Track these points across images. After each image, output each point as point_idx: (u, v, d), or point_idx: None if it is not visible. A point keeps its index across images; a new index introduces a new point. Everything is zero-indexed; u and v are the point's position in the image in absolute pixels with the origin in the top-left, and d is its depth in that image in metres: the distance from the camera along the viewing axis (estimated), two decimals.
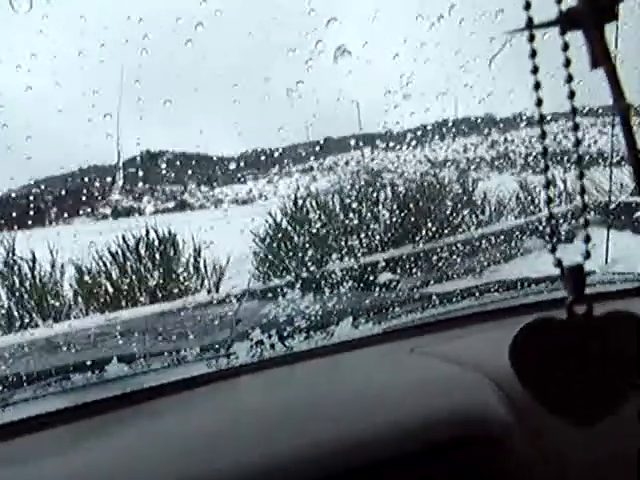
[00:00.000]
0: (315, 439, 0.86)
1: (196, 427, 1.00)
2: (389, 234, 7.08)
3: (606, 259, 2.22)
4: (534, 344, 0.55)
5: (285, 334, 1.29)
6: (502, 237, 7.28)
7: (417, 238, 6.88)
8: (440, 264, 6.67)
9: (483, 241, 7.04)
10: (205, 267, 6.05)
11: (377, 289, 5.94)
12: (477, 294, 1.35)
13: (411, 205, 7.43)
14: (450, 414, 0.86)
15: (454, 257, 6.57)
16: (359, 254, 6.18)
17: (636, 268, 1.82)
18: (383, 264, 6.36)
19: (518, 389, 0.91)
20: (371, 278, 5.86)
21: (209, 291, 5.87)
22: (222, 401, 1.14)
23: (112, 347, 1.43)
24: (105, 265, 5.96)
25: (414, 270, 6.30)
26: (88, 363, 1.25)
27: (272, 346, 1.30)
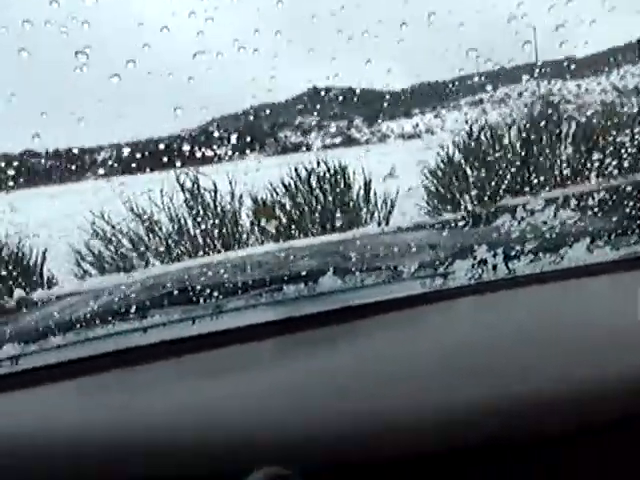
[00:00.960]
0: (537, 377, 0.75)
1: (403, 351, 0.94)
2: (570, 169, 6.54)
3: None
4: None
5: (511, 255, 1.17)
6: None
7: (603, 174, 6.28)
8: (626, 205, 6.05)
9: None
10: (376, 199, 6.02)
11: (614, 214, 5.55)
12: None
13: (594, 139, 6.78)
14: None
15: None
16: (538, 189, 5.79)
17: None
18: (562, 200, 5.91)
19: None
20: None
21: (379, 223, 5.86)
22: (433, 325, 1.06)
23: (325, 261, 1.41)
24: (279, 197, 6.17)
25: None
26: (302, 274, 1.23)
27: (494, 267, 1.19)
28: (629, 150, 6.67)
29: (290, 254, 1.45)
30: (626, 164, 6.89)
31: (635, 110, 8.08)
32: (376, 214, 5.98)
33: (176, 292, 1.25)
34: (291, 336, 1.05)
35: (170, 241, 5.79)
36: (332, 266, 1.20)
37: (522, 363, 0.82)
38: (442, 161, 6.20)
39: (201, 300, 1.21)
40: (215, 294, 1.24)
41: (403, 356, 0.92)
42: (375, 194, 6.03)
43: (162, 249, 5.84)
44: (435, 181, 6.24)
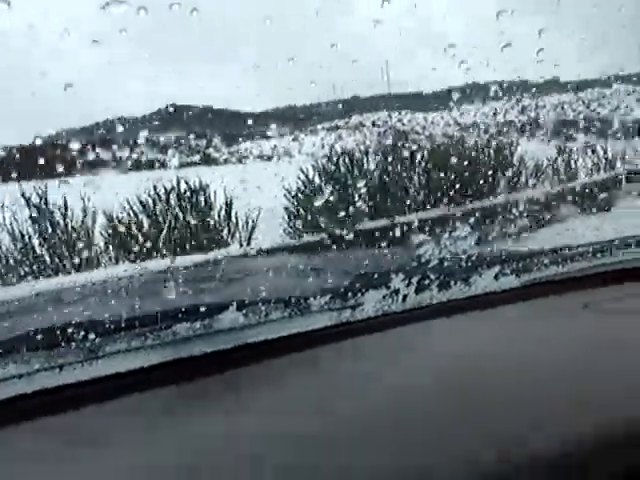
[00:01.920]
0: (461, 410, 0.75)
1: (314, 390, 0.88)
2: (420, 196, 6.96)
3: None
4: None
5: (420, 284, 1.17)
6: (537, 203, 7.13)
7: (448, 201, 6.76)
8: (475, 227, 6.55)
9: (517, 206, 6.91)
10: (237, 220, 5.98)
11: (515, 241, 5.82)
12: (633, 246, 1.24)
13: (441, 167, 7.29)
14: None
15: (488, 221, 6.46)
16: (393, 214, 6.08)
17: None
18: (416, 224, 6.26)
19: None
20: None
21: (241, 244, 5.81)
22: (341, 361, 1.01)
23: (212, 292, 1.32)
24: (136, 215, 5.91)
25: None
26: (199, 309, 1.09)
27: (404, 298, 1.18)
28: (468, 180, 7.24)
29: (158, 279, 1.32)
30: (470, 192, 7.41)
31: (472, 143, 8.82)
32: (237, 234, 5.94)
33: (32, 332, 0.99)
34: (186, 382, 0.93)
35: (12, 261, 5.31)
36: (233, 300, 1.10)
37: (439, 391, 0.81)
38: (303, 183, 6.31)
39: (70, 343, 0.98)
40: (88, 335, 1.01)
41: (317, 399, 0.87)
42: (236, 214, 5.98)
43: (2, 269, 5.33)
44: (295, 203, 6.33)
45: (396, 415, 0.76)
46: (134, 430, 0.81)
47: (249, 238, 5.92)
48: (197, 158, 10.45)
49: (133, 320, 1.04)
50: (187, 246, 5.56)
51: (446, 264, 1.25)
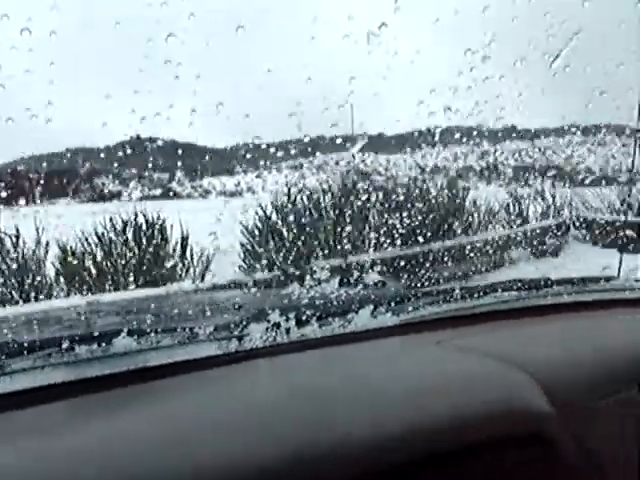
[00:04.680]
0: (328, 434, 0.82)
1: (201, 411, 0.95)
2: (376, 236, 7.07)
3: (619, 271, 2.24)
4: None
5: (302, 319, 1.25)
6: (490, 246, 7.32)
7: (406, 241, 6.89)
8: (428, 269, 6.70)
9: (471, 249, 7.08)
10: (192, 255, 5.99)
11: (398, 281, 5.93)
12: (499, 291, 1.34)
13: (399, 208, 7.45)
14: (488, 410, 0.83)
15: (440, 263, 6.60)
16: (348, 253, 6.17)
17: None
18: (370, 263, 6.37)
19: (555, 382, 0.90)
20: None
21: (194, 280, 5.81)
22: (230, 386, 1.09)
23: (120, 321, 1.38)
24: (90, 247, 5.88)
25: (407, 273, 6.31)
26: (95, 335, 1.19)
27: (287, 331, 1.26)
28: (425, 221, 7.40)
29: (88, 311, 1.40)
30: (426, 234, 7.55)
31: (430, 185, 9.04)
32: (191, 270, 5.94)
33: None
34: (84, 398, 1.01)
35: None
36: (128, 326, 1.19)
37: (316, 418, 0.88)
38: (259, 220, 6.37)
39: None
40: None
41: (200, 417, 0.93)
42: (192, 250, 6.00)
43: None
44: (252, 239, 6.38)
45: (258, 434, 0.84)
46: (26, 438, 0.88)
47: (203, 274, 5.93)
48: (159, 192, 10.50)
49: (41, 342, 1.12)
50: (140, 280, 5.54)
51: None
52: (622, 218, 7.75)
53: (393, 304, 1.29)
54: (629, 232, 6.95)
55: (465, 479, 0.79)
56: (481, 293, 1.32)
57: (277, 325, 1.26)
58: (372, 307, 1.26)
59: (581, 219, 7.78)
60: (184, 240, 5.98)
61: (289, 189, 6.49)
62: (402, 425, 0.82)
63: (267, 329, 1.25)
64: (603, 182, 8.74)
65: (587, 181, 9.06)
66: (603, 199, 8.08)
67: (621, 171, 11.61)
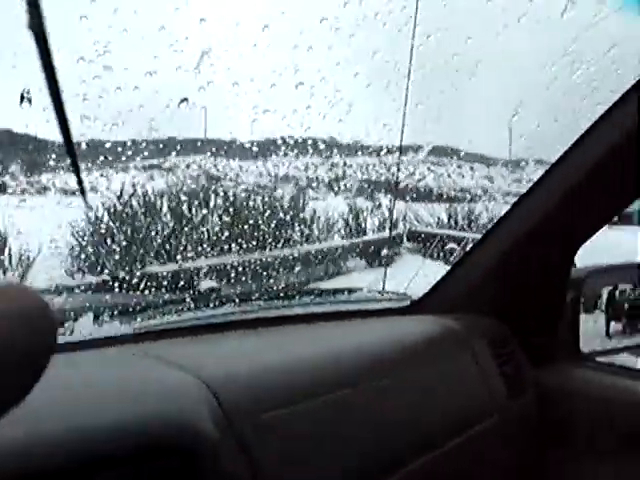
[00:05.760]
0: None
1: None
2: (215, 242, 7.03)
3: (383, 283, 2.39)
4: None
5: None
6: (328, 255, 7.55)
7: (244, 248, 6.91)
8: (262, 276, 6.76)
9: (308, 257, 7.26)
10: (10, 256, 5.58)
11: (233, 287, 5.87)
12: (237, 301, 1.38)
13: (241, 215, 7.48)
14: (143, 420, 0.83)
15: (274, 271, 6.69)
16: (181, 259, 6.07)
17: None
18: (206, 270, 6.32)
19: (235, 400, 0.93)
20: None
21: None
22: None
23: None
24: None
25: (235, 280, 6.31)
26: None
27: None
28: (267, 229, 7.48)
29: None
30: (269, 241, 7.59)
31: (281, 193, 9.18)
32: (10, 273, 5.53)
33: None
34: None
35: None
36: None
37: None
38: (90, 222, 6.09)
39: None
40: None
41: None
42: (10, 250, 5.59)
43: None
44: (82, 241, 6.08)
45: None
46: None
47: (22, 277, 5.54)
48: None
49: None
50: None
51: None
52: (450, 232, 8.36)
53: (118, 313, 1.27)
54: (452, 245, 7.51)
55: None
56: (217, 303, 1.34)
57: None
58: (94, 315, 1.24)
59: (413, 232, 8.27)
60: (2, 239, 5.56)
61: (121, 190, 6.27)
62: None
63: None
64: (435, 199, 9.40)
65: (423, 197, 9.68)
66: (433, 214, 8.69)
67: (455, 189, 12.54)
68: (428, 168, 11.87)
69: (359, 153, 12.95)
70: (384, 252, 7.66)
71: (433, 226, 8.52)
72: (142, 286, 5.26)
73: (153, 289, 5.27)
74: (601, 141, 1.27)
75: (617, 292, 1.88)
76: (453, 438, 1.20)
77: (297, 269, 6.93)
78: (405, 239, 8.25)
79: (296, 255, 7.17)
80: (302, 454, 0.94)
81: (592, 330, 1.79)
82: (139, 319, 1.29)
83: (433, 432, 1.18)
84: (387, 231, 8.21)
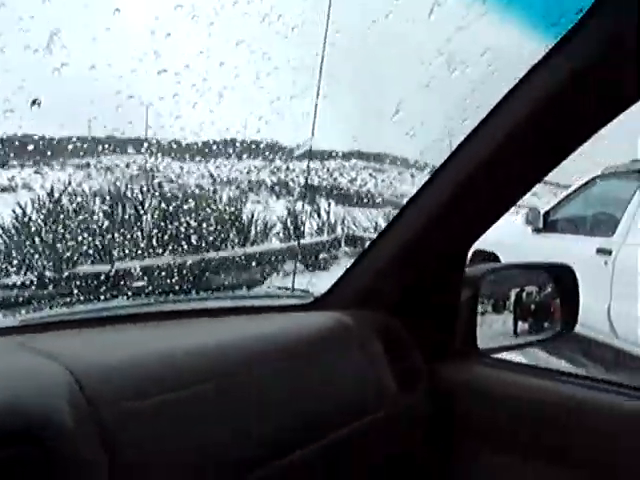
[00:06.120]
0: None
1: None
2: (147, 243, 6.92)
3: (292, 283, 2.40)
4: None
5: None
6: (266, 258, 7.54)
7: (177, 250, 6.84)
8: (194, 277, 6.70)
9: (246, 260, 7.23)
10: None
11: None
12: (129, 295, 1.36)
13: (176, 217, 7.40)
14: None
15: (209, 272, 6.65)
16: (112, 259, 5.96)
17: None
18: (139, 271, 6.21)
19: (98, 387, 0.92)
20: None
21: None
22: None
23: None
24: None
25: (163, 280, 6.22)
26: None
27: None
28: (202, 231, 7.42)
29: None
30: (203, 243, 7.51)
31: (221, 196, 9.13)
32: None
33: None
34: None
35: None
36: None
37: None
38: (16, 219, 5.90)
39: None
40: None
41: None
42: None
43: None
44: (7, 240, 5.88)
45: None
46: None
47: None
48: None
49: None
50: None
51: None
52: None
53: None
54: None
55: None
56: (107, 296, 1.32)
57: None
58: None
59: (351, 236, 8.36)
60: None
61: (52, 188, 6.11)
62: None
63: None
64: (375, 204, 9.53)
65: (363, 202, 9.79)
66: (371, 219, 8.81)
67: (396, 195, 12.73)
68: (369, 174, 12.01)
69: (304, 158, 13.00)
70: (322, 256, 7.72)
71: (371, 230, 8.64)
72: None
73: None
74: (490, 137, 1.30)
75: (524, 294, 1.96)
76: (336, 430, 1.21)
77: (230, 271, 6.90)
78: (343, 243, 8.34)
79: (232, 257, 7.15)
80: (167, 443, 0.93)
81: (501, 330, 1.86)
82: (24, 312, 1.26)
83: (315, 424, 1.19)
84: (325, 235, 8.28)
